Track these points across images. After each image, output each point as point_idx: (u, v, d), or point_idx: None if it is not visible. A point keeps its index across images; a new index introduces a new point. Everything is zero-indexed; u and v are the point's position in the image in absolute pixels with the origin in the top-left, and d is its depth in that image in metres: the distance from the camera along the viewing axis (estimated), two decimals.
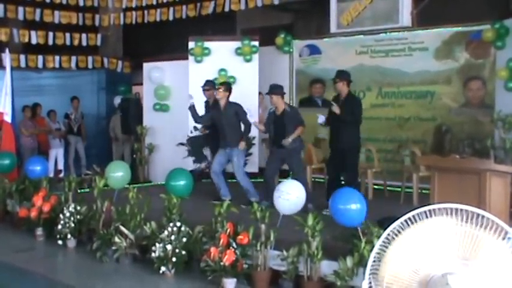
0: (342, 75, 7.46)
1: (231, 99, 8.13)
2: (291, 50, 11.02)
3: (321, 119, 7.52)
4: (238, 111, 7.97)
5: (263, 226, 5.37)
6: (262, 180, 9.45)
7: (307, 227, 4.99)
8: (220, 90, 8.01)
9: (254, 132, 9.36)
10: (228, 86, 8.15)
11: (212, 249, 5.31)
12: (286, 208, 6.11)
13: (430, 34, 9.26)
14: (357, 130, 7.40)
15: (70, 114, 12.30)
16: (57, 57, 13.07)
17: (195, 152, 10.11)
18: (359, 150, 7.67)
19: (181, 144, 10.29)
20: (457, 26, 9.02)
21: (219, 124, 8.06)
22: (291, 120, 7.57)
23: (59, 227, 6.87)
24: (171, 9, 12.59)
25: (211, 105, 8.45)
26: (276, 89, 7.68)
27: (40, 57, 12.90)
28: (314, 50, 10.74)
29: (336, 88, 7.52)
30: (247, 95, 9.35)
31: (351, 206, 5.38)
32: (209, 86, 8.64)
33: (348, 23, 10.15)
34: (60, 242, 6.85)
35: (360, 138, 7.46)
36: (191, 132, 10.15)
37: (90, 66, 13.48)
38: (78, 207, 6.98)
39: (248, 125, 8.00)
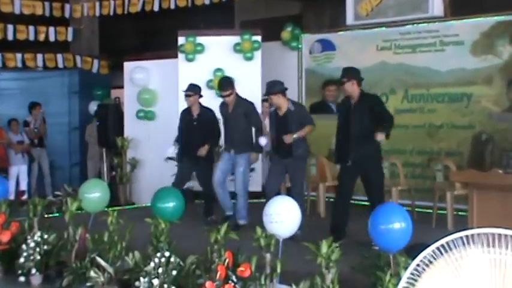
0: (350, 73, 7.29)
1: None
2: (300, 45, 11.09)
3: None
4: (247, 112, 8.06)
5: (268, 255, 5.38)
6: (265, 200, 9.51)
7: (321, 256, 4.99)
8: (226, 93, 8.14)
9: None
10: (225, 84, 8.25)
11: (207, 283, 5.30)
12: (283, 232, 6.08)
13: (466, 25, 9.32)
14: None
15: (30, 121, 12.30)
16: (19, 55, 13.13)
17: None
18: (381, 159, 7.62)
19: (170, 158, 10.30)
20: (498, 15, 9.06)
21: (225, 125, 8.27)
22: (296, 121, 7.56)
23: (21, 260, 6.80)
24: None
25: (221, 106, 8.56)
26: (273, 88, 7.65)
27: None
28: (327, 46, 10.80)
29: (343, 90, 7.42)
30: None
31: (394, 225, 5.27)
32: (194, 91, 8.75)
33: (368, 13, 10.22)
34: (22, 278, 6.77)
35: (380, 148, 7.43)
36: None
37: (60, 65, 13.54)
38: (46, 236, 6.94)
39: (258, 130, 8.10)
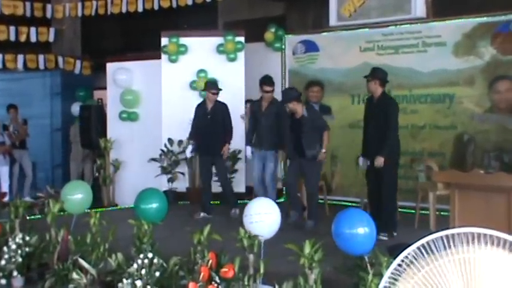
0: (375, 73, 7.74)
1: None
2: (283, 46, 11.08)
3: (362, 161, 7.90)
4: (279, 112, 8.61)
5: (251, 256, 5.38)
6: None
7: (304, 256, 5.00)
8: (270, 88, 8.80)
9: (240, 143, 9.46)
10: (272, 81, 8.93)
11: (191, 284, 5.30)
12: (263, 232, 6.07)
13: (449, 26, 9.36)
14: (395, 138, 7.61)
15: (8, 124, 12.21)
16: None
17: None
18: (397, 164, 7.79)
19: (154, 159, 10.30)
20: (480, 16, 9.11)
21: (255, 123, 8.89)
22: (309, 125, 8.06)
23: (3, 262, 6.77)
24: None
25: (253, 104, 9.22)
26: (288, 96, 8.23)
27: None
28: (310, 47, 10.81)
29: (367, 87, 7.81)
30: (231, 101, 9.39)
31: (358, 230, 5.38)
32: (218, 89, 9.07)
33: (351, 14, 10.25)
34: (3, 281, 6.73)
35: (399, 148, 7.69)
36: (165, 146, 10.17)
37: (41, 66, 13.47)
38: (27, 238, 6.92)
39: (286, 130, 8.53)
